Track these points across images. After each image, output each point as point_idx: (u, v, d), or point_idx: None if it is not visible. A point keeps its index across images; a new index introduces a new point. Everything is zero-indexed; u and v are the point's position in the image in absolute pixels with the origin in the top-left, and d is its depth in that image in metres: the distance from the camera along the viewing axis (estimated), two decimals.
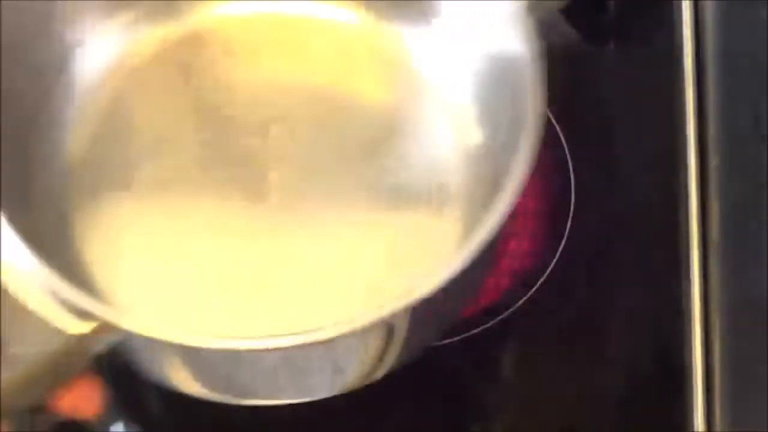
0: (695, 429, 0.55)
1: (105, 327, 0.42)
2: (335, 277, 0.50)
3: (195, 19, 0.54)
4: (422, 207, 0.51)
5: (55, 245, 0.47)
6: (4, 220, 0.43)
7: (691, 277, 0.58)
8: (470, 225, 0.48)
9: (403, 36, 0.54)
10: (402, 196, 0.51)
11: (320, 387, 0.49)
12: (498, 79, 0.50)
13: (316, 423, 0.54)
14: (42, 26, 0.49)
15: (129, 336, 0.43)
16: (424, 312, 0.45)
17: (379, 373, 0.49)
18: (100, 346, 0.43)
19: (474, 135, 0.53)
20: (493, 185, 0.46)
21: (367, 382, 0.50)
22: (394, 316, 0.42)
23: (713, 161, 0.60)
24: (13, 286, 0.42)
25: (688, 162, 0.61)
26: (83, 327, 0.42)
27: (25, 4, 0.47)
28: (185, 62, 0.53)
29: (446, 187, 0.52)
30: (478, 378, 0.58)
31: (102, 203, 0.51)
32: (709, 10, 0.64)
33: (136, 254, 0.48)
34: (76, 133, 0.52)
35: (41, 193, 0.48)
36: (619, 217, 0.60)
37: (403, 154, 0.53)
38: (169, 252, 0.50)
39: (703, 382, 0.56)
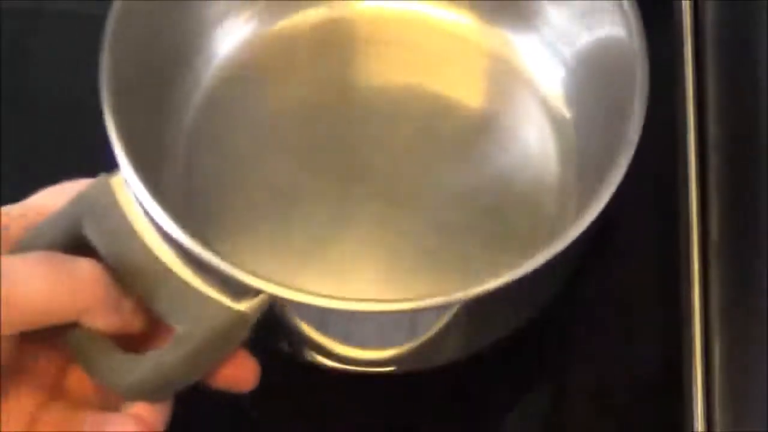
0: (695, 429, 0.55)
1: (267, 301, 0.45)
2: (434, 256, 0.54)
3: (316, 13, 0.59)
4: (520, 192, 0.56)
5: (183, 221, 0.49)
6: (155, 203, 0.46)
7: (691, 277, 0.58)
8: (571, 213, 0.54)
9: (505, 34, 0.59)
10: (500, 180, 0.56)
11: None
12: (593, 62, 0.56)
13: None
14: (182, 7, 0.55)
15: (291, 309, 0.46)
16: (513, 295, 0.49)
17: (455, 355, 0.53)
18: (254, 320, 0.46)
19: (566, 113, 0.58)
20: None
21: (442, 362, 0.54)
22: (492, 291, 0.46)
23: (713, 161, 0.61)
24: (177, 266, 0.45)
25: (688, 162, 0.61)
26: (246, 302, 0.45)
27: None
28: (306, 50, 0.59)
29: (545, 178, 0.57)
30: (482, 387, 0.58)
31: (220, 185, 0.56)
32: (710, 10, 0.64)
33: (249, 229, 0.52)
34: (204, 107, 0.57)
35: (169, 174, 0.52)
36: (617, 217, 0.60)
37: (501, 143, 0.57)
38: (280, 222, 0.55)
39: (702, 382, 0.56)
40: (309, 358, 0.53)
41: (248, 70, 0.58)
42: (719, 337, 0.57)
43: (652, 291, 0.59)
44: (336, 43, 0.59)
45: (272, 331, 0.49)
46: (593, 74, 0.57)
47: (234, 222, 0.52)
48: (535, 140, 0.58)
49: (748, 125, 0.60)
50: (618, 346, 0.58)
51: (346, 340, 0.51)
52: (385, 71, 0.59)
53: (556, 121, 0.58)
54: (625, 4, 0.53)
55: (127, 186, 0.47)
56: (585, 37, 0.57)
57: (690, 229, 0.59)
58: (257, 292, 0.45)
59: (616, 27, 0.54)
